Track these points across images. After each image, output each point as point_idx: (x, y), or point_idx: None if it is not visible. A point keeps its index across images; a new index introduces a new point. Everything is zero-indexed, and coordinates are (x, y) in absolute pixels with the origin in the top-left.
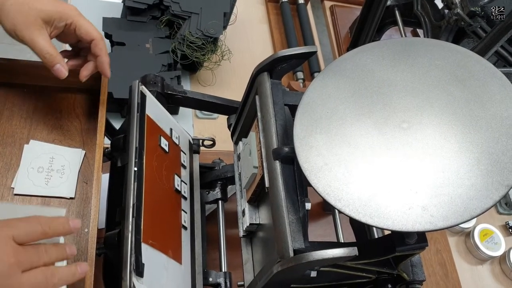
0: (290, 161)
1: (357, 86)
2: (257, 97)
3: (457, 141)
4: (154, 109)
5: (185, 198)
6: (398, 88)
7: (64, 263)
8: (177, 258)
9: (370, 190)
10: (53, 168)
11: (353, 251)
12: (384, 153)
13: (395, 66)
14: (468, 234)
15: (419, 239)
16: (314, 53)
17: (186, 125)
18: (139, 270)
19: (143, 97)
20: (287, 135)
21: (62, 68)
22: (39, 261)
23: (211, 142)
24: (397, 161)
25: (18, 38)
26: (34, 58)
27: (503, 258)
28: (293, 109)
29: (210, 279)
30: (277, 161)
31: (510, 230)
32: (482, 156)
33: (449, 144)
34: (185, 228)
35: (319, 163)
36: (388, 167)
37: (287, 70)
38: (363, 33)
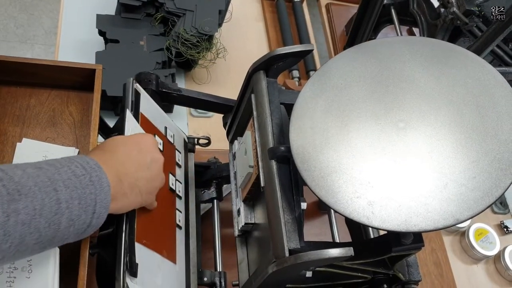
0: (286, 160)
1: (353, 86)
2: (252, 95)
3: (456, 141)
4: (149, 107)
5: (180, 197)
6: (404, 90)
7: None
8: (172, 257)
9: (367, 190)
10: None
11: (349, 251)
12: (382, 153)
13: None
14: (463, 234)
15: (415, 239)
16: (311, 51)
17: (180, 124)
18: (132, 270)
19: (137, 95)
20: (283, 134)
21: None
22: None
23: (206, 141)
24: (395, 161)
25: None
26: (27, 55)
27: (497, 257)
28: (289, 107)
29: (205, 279)
30: (273, 161)
31: (505, 229)
32: (480, 156)
33: (448, 143)
34: (180, 227)
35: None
36: (386, 167)
37: (283, 68)
38: (359, 32)
